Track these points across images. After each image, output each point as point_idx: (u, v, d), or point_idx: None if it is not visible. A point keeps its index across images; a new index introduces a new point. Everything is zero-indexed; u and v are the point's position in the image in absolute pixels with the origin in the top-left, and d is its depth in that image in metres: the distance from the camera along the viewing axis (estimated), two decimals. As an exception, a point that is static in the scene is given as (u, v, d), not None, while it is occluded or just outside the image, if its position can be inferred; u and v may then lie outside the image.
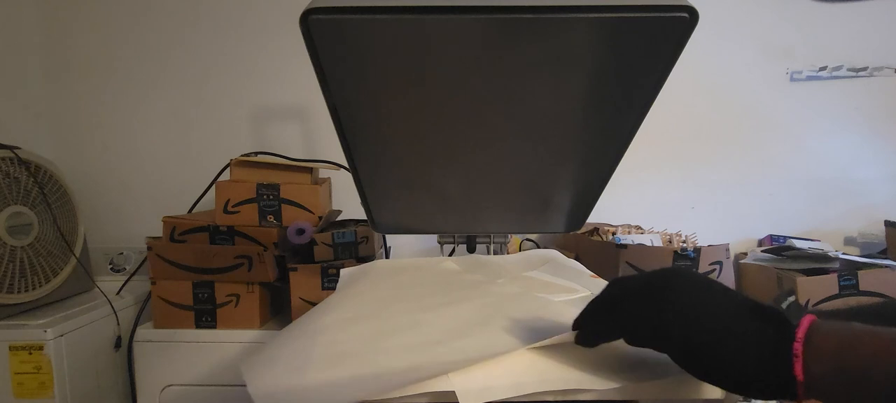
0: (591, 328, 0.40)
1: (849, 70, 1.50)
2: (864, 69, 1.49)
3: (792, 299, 0.33)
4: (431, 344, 0.47)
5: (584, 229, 1.31)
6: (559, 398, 0.40)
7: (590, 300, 0.41)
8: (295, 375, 0.42)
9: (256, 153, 1.32)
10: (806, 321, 0.31)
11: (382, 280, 0.72)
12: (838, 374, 0.29)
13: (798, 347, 0.30)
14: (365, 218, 0.79)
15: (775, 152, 1.54)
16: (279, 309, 1.24)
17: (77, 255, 1.23)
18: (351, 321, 0.54)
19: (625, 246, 1.18)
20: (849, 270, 1.14)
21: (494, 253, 0.91)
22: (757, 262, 1.31)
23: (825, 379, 0.29)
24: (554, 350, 0.43)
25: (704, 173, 1.55)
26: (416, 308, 0.58)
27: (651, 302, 0.36)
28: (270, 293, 1.18)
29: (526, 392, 0.40)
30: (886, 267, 1.14)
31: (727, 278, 1.20)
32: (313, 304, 1.11)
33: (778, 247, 1.34)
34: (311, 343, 0.49)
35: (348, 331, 0.51)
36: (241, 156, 1.23)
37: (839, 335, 0.30)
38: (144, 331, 1.12)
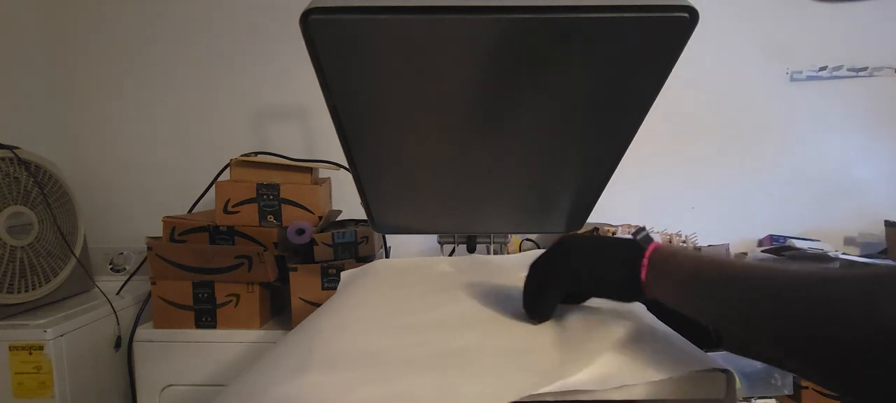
0: (540, 309, 0.49)
1: (849, 70, 1.50)
2: (864, 69, 1.49)
3: (643, 233, 0.47)
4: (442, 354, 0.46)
5: (584, 229, 1.30)
6: (559, 398, 0.40)
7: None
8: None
9: (256, 153, 1.32)
10: (652, 245, 0.43)
11: (389, 280, 0.71)
12: (664, 278, 0.41)
13: (645, 261, 0.42)
14: (365, 218, 0.79)
15: (775, 152, 1.54)
16: (279, 309, 1.23)
17: (77, 255, 1.23)
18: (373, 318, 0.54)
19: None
20: (848, 270, 1.14)
21: (494, 253, 0.91)
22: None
23: (656, 282, 0.41)
24: (554, 351, 0.43)
25: (704, 173, 1.55)
26: (421, 306, 0.57)
27: (561, 262, 0.48)
28: (270, 293, 1.18)
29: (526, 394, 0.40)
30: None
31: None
32: (314, 304, 1.11)
33: (778, 247, 1.34)
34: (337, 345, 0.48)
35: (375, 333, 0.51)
36: (241, 156, 1.23)
37: (670, 251, 0.42)
38: (144, 331, 1.12)
